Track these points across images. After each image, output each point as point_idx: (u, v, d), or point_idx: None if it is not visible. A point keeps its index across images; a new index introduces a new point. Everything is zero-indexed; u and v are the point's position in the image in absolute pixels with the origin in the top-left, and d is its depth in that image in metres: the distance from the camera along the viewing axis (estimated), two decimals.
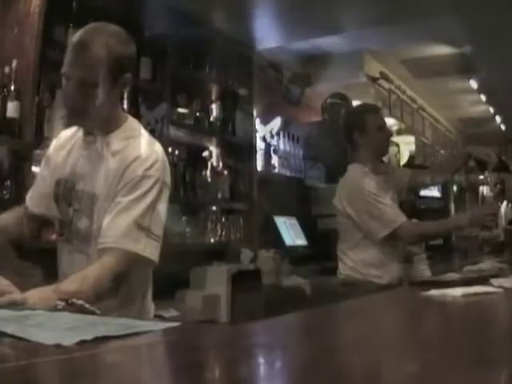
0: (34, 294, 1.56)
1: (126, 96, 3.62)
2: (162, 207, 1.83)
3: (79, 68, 1.77)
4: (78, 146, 1.95)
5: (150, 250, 1.79)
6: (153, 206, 1.79)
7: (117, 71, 1.81)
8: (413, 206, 6.93)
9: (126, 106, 3.59)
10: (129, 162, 1.81)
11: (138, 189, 1.78)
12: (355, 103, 5.39)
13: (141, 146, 1.86)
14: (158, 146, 1.91)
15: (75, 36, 1.81)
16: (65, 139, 2.02)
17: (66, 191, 1.92)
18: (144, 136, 1.92)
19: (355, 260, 2.98)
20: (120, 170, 1.82)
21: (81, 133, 1.95)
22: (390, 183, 3.11)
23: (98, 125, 1.88)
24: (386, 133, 3.14)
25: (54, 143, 2.06)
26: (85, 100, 1.80)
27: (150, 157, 1.82)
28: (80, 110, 1.83)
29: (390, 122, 6.05)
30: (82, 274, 1.71)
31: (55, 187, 1.95)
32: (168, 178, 1.87)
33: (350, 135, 3.08)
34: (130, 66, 1.88)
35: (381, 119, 3.14)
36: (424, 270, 4.15)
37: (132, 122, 1.97)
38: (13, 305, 1.42)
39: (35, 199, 2.05)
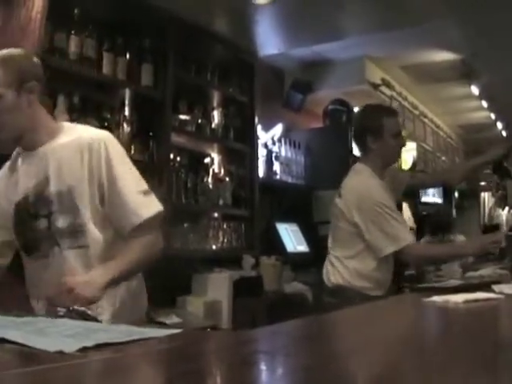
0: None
1: (127, 103, 3.64)
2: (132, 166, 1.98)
3: None
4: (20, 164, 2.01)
5: (156, 203, 1.95)
6: (133, 169, 1.96)
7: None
8: (414, 213, 6.95)
9: (127, 114, 3.61)
10: (87, 147, 1.90)
11: (116, 165, 1.90)
12: (356, 110, 5.39)
13: (88, 132, 2.00)
14: (101, 130, 2.05)
15: None
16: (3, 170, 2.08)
17: (30, 207, 1.94)
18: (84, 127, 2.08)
19: (350, 269, 2.79)
20: (79, 156, 1.90)
21: (15, 153, 2.04)
22: (392, 188, 3.05)
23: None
24: (401, 141, 2.93)
25: None
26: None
27: (102, 138, 1.93)
28: None
29: None
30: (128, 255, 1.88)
31: (15, 212, 1.97)
32: (119, 145, 1.99)
33: (362, 138, 2.88)
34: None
35: (398, 125, 2.93)
36: None
37: (68, 126, 2.09)
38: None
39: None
